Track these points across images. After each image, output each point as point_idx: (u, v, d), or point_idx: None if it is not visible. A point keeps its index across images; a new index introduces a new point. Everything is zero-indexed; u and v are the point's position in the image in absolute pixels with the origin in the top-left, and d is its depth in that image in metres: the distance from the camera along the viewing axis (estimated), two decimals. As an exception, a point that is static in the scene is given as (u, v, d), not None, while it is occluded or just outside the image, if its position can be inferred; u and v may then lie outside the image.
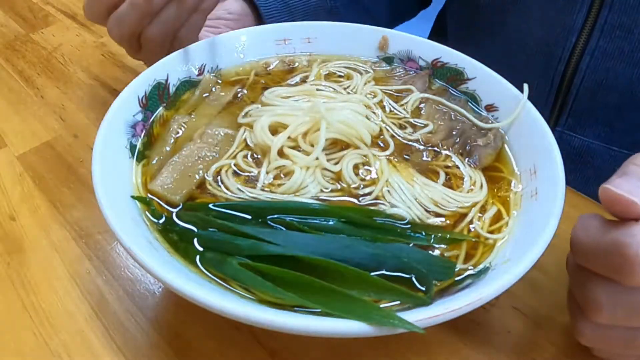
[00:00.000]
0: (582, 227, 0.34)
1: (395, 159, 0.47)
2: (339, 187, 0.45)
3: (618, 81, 0.62)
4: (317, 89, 0.54)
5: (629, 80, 0.61)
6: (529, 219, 0.41)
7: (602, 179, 0.72)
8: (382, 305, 0.35)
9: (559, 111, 0.68)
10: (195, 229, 0.40)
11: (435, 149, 0.50)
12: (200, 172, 0.45)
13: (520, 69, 0.68)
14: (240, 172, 0.46)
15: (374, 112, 0.52)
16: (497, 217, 0.43)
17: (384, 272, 0.37)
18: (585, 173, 0.69)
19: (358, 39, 0.61)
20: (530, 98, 0.48)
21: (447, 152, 0.49)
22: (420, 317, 0.30)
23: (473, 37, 0.75)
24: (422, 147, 0.50)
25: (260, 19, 0.69)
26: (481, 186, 0.46)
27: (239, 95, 0.56)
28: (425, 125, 0.52)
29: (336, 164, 0.46)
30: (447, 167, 0.48)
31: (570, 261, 0.37)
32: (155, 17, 0.52)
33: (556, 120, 0.68)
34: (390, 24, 0.85)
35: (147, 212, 0.41)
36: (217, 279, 0.37)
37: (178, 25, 0.54)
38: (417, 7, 0.91)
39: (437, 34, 0.91)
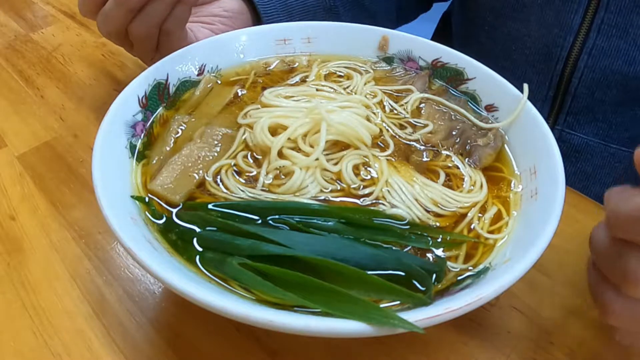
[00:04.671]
0: (616, 197, 0.32)
1: (395, 159, 0.47)
2: (339, 187, 0.45)
3: (615, 79, 0.63)
4: (317, 89, 0.54)
5: (625, 78, 0.62)
6: (529, 219, 0.41)
7: (601, 177, 0.72)
8: (382, 305, 0.35)
9: (558, 110, 0.69)
10: (195, 229, 0.40)
11: (435, 149, 0.50)
12: (200, 172, 0.45)
13: (520, 69, 0.68)
14: (240, 172, 0.46)
15: (374, 113, 0.52)
16: (497, 217, 0.43)
17: (383, 272, 0.37)
18: (585, 171, 0.70)
19: (358, 39, 0.61)
20: (530, 98, 0.49)
21: (447, 152, 0.49)
22: (420, 317, 0.30)
23: (475, 38, 0.75)
24: (422, 147, 0.50)
25: (257, 17, 0.69)
26: (481, 186, 0.46)
27: (239, 95, 0.56)
28: (425, 126, 0.52)
29: (336, 164, 0.46)
30: (447, 167, 0.48)
31: (598, 236, 0.35)
32: (139, 12, 0.53)
33: (555, 119, 0.69)
34: (390, 26, 0.85)
35: (147, 212, 0.41)
36: (217, 279, 0.37)
37: (161, 18, 0.54)
38: (417, 10, 0.91)
39: (441, 35, 0.91)
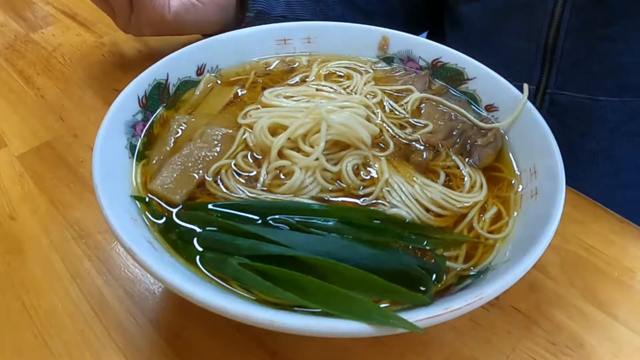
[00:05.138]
0: None
1: (395, 159, 0.47)
2: (339, 187, 0.45)
3: (599, 30, 0.62)
4: (317, 89, 0.54)
5: (607, 28, 0.62)
6: (529, 219, 0.41)
7: (595, 132, 0.71)
8: (382, 305, 0.35)
9: (548, 72, 0.68)
10: (195, 229, 0.40)
11: (435, 149, 0.49)
12: (200, 171, 0.45)
13: (508, 37, 0.68)
14: (240, 172, 0.46)
15: (374, 113, 0.52)
16: (498, 217, 0.43)
17: (383, 272, 0.37)
18: (578, 128, 0.69)
19: (358, 39, 0.61)
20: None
21: (447, 152, 0.49)
22: (420, 317, 0.30)
23: (463, 16, 0.74)
24: (422, 147, 0.49)
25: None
26: (481, 186, 0.46)
27: (239, 95, 0.56)
28: (425, 125, 0.52)
29: (336, 164, 0.46)
30: (447, 167, 0.48)
31: None
32: None
33: (546, 83, 0.69)
34: (391, 26, 0.84)
35: (147, 212, 0.41)
36: (217, 279, 0.37)
37: None
38: (413, 25, 0.90)
39: (435, 29, 0.90)
